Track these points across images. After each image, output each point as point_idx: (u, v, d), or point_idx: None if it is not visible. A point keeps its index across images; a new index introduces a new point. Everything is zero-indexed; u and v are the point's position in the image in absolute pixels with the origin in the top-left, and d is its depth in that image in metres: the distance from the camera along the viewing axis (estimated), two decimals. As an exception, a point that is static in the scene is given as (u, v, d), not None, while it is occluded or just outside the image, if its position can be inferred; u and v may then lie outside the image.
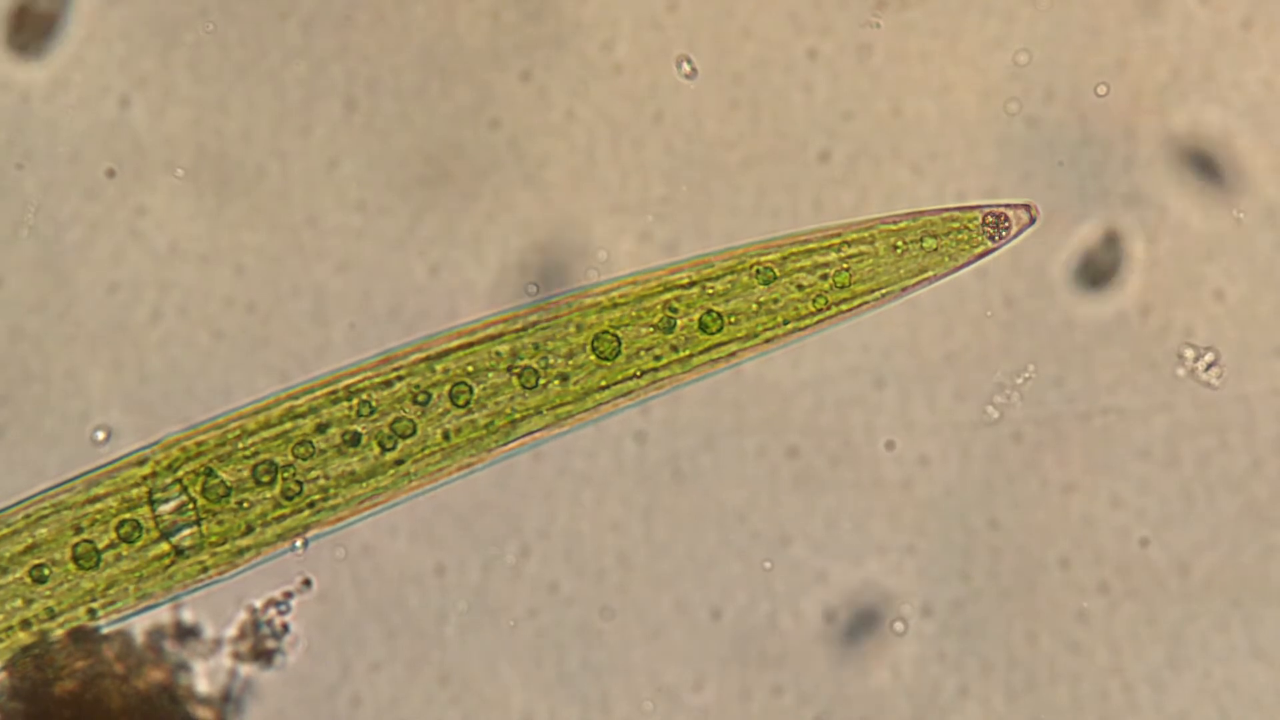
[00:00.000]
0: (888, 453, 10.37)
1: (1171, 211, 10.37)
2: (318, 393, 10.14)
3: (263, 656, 10.02)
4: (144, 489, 10.07)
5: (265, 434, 10.09)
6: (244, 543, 10.10)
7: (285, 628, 10.05)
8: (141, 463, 10.09)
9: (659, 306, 10.18)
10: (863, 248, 10.21)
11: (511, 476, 10.31)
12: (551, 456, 10.32)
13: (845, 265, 10.21)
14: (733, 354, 10.21)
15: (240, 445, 10.09)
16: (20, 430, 10.26)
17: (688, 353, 10.19)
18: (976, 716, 10.33)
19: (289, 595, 10.08)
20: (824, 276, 10.20)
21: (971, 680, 10.34)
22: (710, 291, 10.19)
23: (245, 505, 10.08)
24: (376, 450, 10.11)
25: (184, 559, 10.09)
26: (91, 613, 10.06)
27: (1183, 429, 10.37)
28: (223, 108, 10.39)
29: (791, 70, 10.43)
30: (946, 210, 10.25)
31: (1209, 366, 10.34)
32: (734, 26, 10.44)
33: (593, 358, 10.17)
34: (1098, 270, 10.37)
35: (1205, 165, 10.39)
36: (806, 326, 10.21)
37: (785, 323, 10.20)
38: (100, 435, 10.21)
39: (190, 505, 10.06)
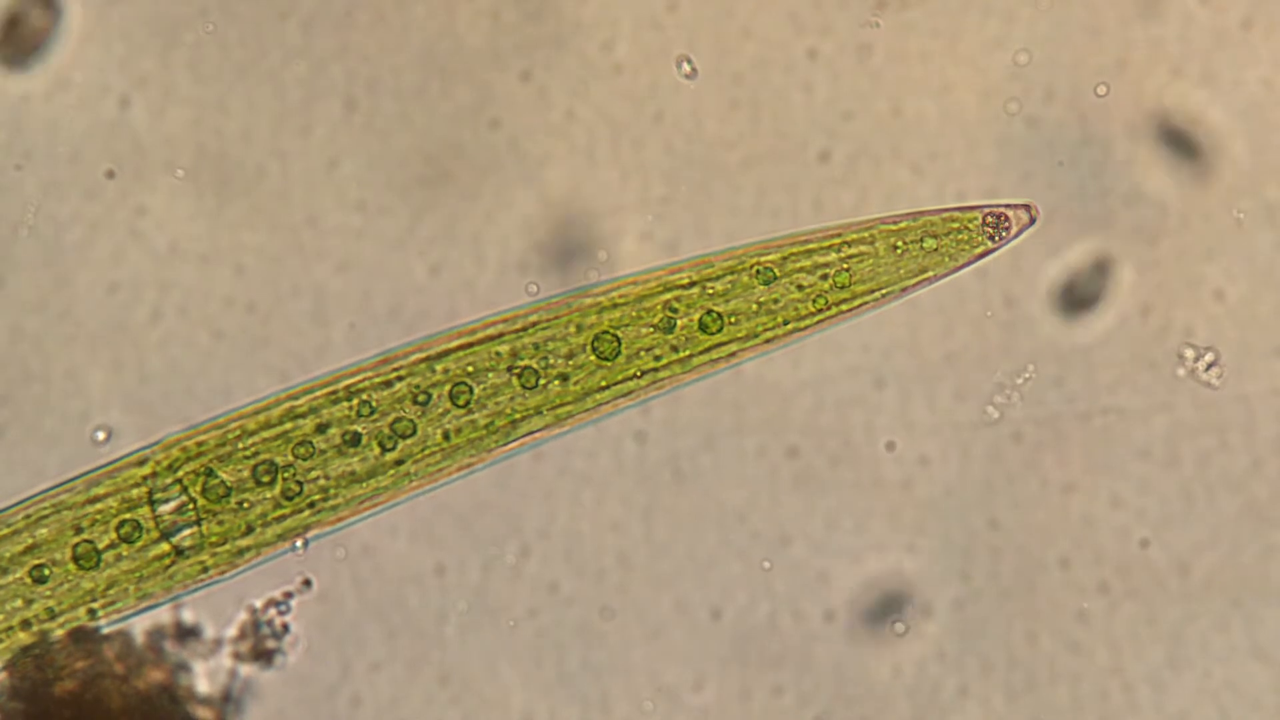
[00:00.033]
0: (888, 453, 10.37)
1: (1148, 190, 10.37)
2: (318, 393, 10.14)
3: (263, 656, 10.02)
4: (144, 489, 10.07)
5: (265, 434, 10.09)
6: (244, 543, 10.10)
7: (285, 628, 10.05)
8: (142, 463, 10.09)
9: (659, 307, 10.18)
10: (863, 248, 10.21)
11: (511, 476, 10.32)
12: (551, 456, 10.32)
13: (845, 265, 10.21)
14: (733, 354, 10.21)
15: (240, 445, 10.09)
16: (20, 430, 10.26)
17: (688, 353, 10.19)
18: (976, 716, 10.33)
19: (289, 595, 10.08)
20: (824, 277, 10.20)
21: (971, 680, 10.34)
22: (710, 292, 10.19)
23: (245, 505, 10.08)
24: (377, 450, 10.11)
25: (184, 559, 10.09)
26: (91, 613, 10.06)
27: (1183, 429, 10.37)
28: (223, 108, 10.39)
29: (791, 70, 10.43)
30: (946, 210, 10.25)
31: (1209, 366, 10.34)
32: (734, 26, 10.44)
33: (593, 358, 10.17)
34: (1080, 297, 10.37)
35: (1180, 142, 10.39)
36: (806, 327, 10.21)
37: (785, 323, 10.20)
38: (100, 435, 10.21)
39: (190, 505, 10.06)
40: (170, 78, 10.40)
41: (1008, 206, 10.25)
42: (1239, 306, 10.37)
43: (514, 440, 10.18)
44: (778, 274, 10.20)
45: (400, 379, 10.13)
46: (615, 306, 10.19)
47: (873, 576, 10.36)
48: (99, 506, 10.06)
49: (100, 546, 10.05)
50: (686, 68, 10.40)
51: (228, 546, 10.09)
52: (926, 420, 10.38)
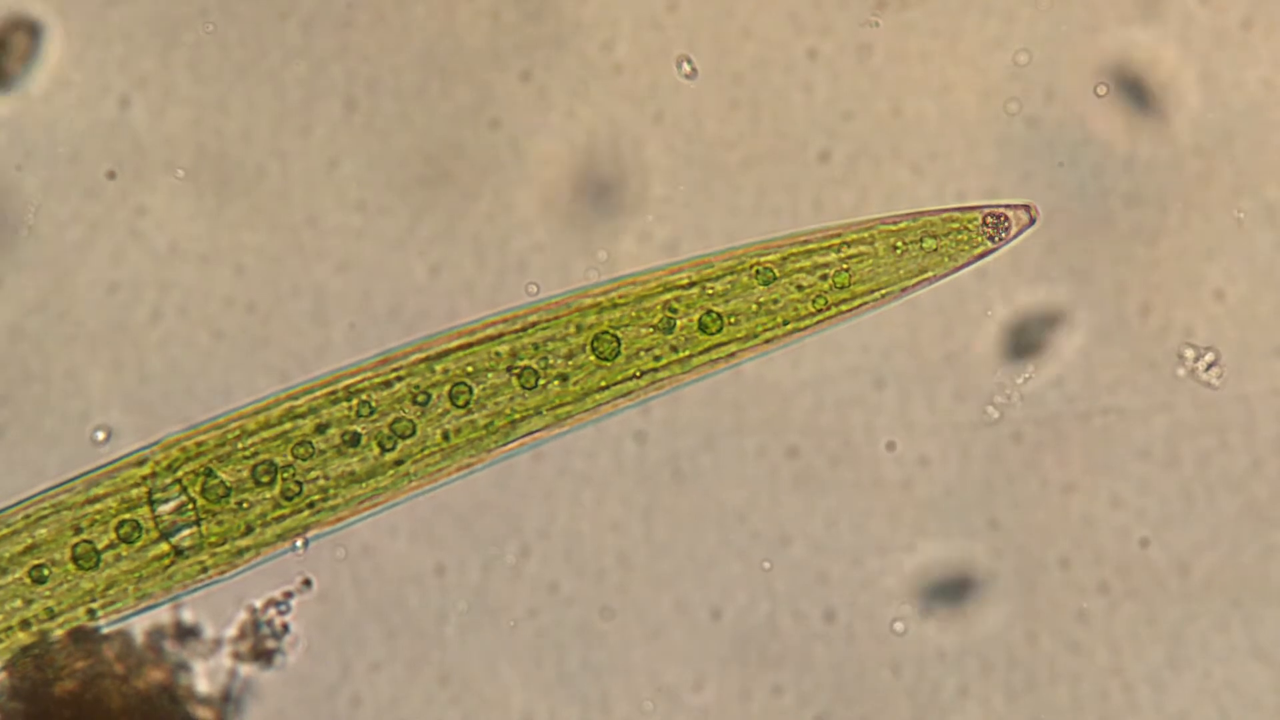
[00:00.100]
0: (888, 453, 10.37)
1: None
2: (317, 393, 10.14)
3: (263, 656, 10.02)
4: (144, 489, 10.07)
5: (265, 434, 10.09)
6: (243, 543, 10.10)
7: (285, 628, 10.05)
8: (141, 463, 10.09)
9: (659, 307, 10.18)
10: (862, 248, 10.21)
11: (511, 476, 10.32)
12: (551, 456, 10.32)
13: (845, 266, 10.21)
14: (732, 354, 10.20)
15: (240, 445, 10.09)
16: (20, 430, 10.26)
17: (687, 353, 10.19)
18: (976, 716, 10.33)
19: (289, 595, 10.08)
20: (824, 277, 10.20)
21: (971, 680, 10.34)
22: (710, 292, 10.19)
23: (245, 505, 10.08)
24: (376, 450, 10.11)
25: (183, 559, 10.09)
26: (91, 613, 10.06)
27: (1183, 429, 10.37)
28: (223, 108, 10.39)
29: (791, 70, 10.43)
30: (946, 211, 10.25)
31: (1209, 366, 10.33)
32: (734, 26, 10.44)
33: (592, 358, 10.17)
34: (1025, 343, 10.38)
35: (1136, 92, 10.39)
36: (806, 327, 10.21)
37: (785, 323, 10.19)
38: (100, 435, 10.21)
39: (190, 505, 10.06)
40: (170, 78, 10.40)
41: (1007, 207, 10.25)
42: (1239, 306, 10.37)
43: (513, 440, 10.18)
44: (777, 274, 10.20)
45: (400, 379, 10.13)
46: (615, 307, 10.19)
47: (931, 561, 10.36)
48: (98, 507, 10.07)
49: (100, 547, 10.05)
50: (686, 68, 10.40)
51: (227, 547, 10.09)
52: (926, 420, 10.38)
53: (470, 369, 10.15)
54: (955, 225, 10.23)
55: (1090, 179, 10.39)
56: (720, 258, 10.22)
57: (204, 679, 9.96)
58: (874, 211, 10.31)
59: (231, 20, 10.40)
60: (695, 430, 10.36)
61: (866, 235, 10.22)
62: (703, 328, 10.19)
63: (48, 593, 10.05)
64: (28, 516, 10.06)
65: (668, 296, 10.20)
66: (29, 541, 10.04)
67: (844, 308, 10.22)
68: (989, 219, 10.22)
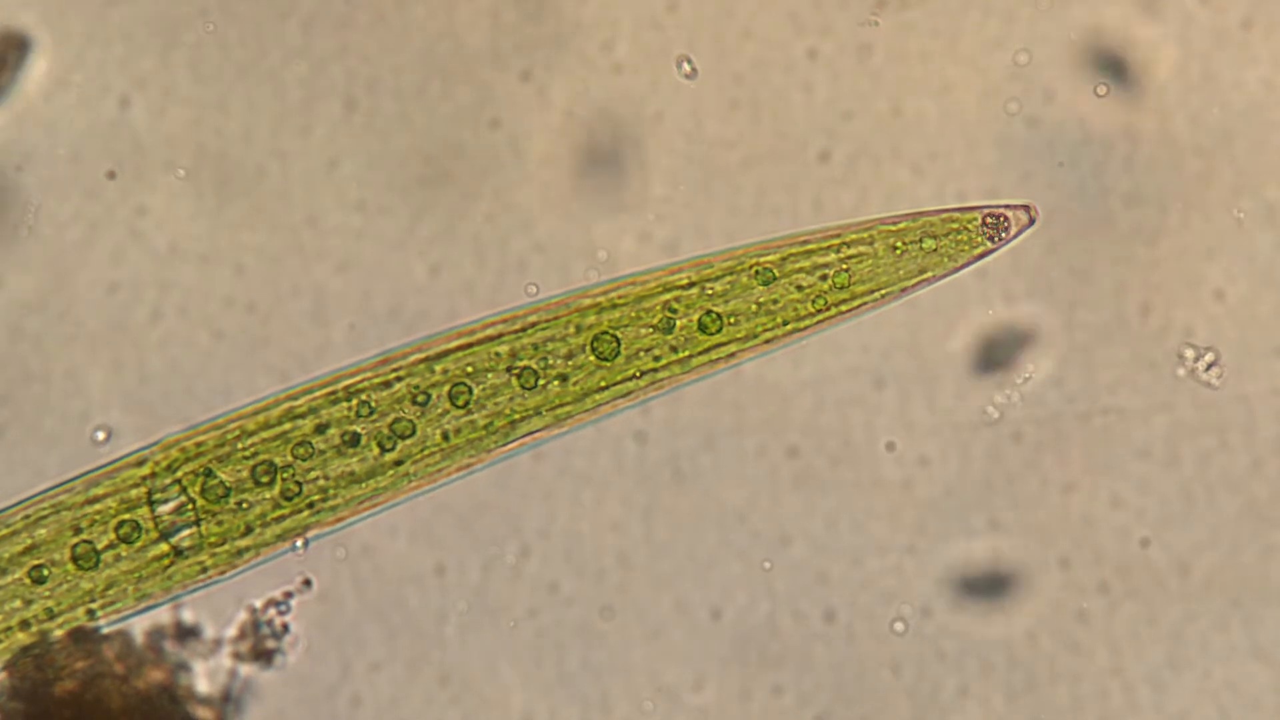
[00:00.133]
0: (888, 453, 10.36)
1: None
2: (317, 393, 10.14)
3: (263, 656, 10.02)
4: (143, 489, 10.07)
5: (265, 434, 10.09)
6: (243, 543, 10.10)
7: (285, 628, 10.05)
8: (141, 463, 10.10)
9: (658, 307, 10.18)
10: (862, 248, 10.21)
11: (511, 476, 10.32)
12: (551, 456, 10.32)
13: (844, 266, 10.21)
14: (732, 355, 10.20)
15: (239, 446, 10.09)
16: (20, 430, 10.26)
17: (687, 353, 10.18)
18: (976, 716, 10.33)
19: (289, 595, 10.09)
20: (823, 277, 10.20)
21: (971, 680, 10.34)
22: (710, 292, 10.19)
23: (244, 506, 10.08)
24: (376, 451, 10.11)
25: (183, 559, 10.09)
26: (90, 613, 10.06)
27: (1183, 429, 10.37)
28: (223, 108, 10.40)
29: (791, 70, 10.43)
30: (946, 211, 10.25)
31: (1209, 366, 10.33)
32: (734, 26, 10.44)
33: (592, 358, 10.17)
34: (994, 357, 10.38)
35: (1113, 66, 10.39)
36: (806, 327, 10.21)
37: (784, 323, 10.19)
38: (100, 435, 10.21)
39: (189, 506, 10.06)
40: (170, 78, 10.40)
41: (1007, 207, 10.24)
42: (1239, 306, 10.37)
43: (513, 441, 10.18)
44: (777, 274, 10.20)
45: (399, 379, 10.13)
46: (614, 307, 10.19)
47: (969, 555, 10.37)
48: (98, 507, 10.07)
49: (99, 547, 10.05)
50: (686, 68, 10.40)
51: (227, 547, 10.09)
52: (926, 420, 10.38)
53: (470, 369, 10.15)
54: (955, 225, 10.22)
55: (1090, 179, 10.39)
56: (720, 258, 10.22)
57: (204, 679, 9.96)
58: (874, 211, 10.31)
59: (231, 20, 10.40)
60: (695, 430, 10.36)
61: (866, 235, 10.22)
62: (702, 328, 10.18)
63: (47, 593, 10.05)
64: (27, 517, 10.06)
65: (667, 297, 10.20)
66: (29, 542, 10.05)
67: (843, 308, 10.22)
68: (988, 219, 10.22)
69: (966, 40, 10.42)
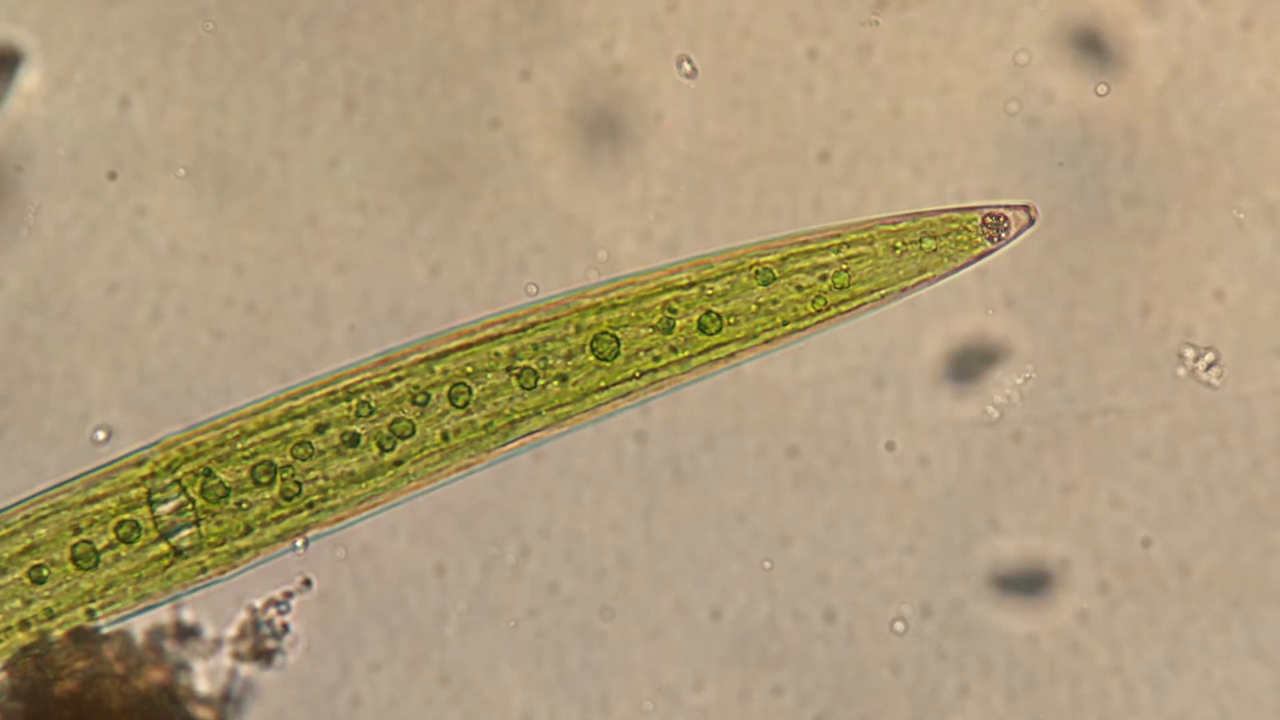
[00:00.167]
0: (888, 453, 10.36)
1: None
2: (317, 393, 10.14)
3: (263, 656, 10.02)
4: (143, 489, 10.07)
5: (264, 434, 10.10)
6: (242, 543, 10.10)
7: (285, 628, 10.05)
8: (140, 463, 10.10)
9: (658, 307, 10.18)
10: (862, 249, 10.21)
11: (511, 476, 10.32)
12: (551, 456, 10.32)
13: (844, 266, 10.20)
14: (731, 355, 10.20)
15: (239, 446, 10.09)
16: (20, 430, 10.26)
17: (687, 353, 10.18)
18: (976, 716, 10.33)
19: (289, 595, 10.09)
20: (823, 277, 10.20)
21: (971, 680, 10.34)
22: (709, 292, 10.19)
23: (244, 506, 10.08)
24: (375, 451, 10.12)
25: (183, 559, 10.10)
26: (90, 613, 10.06)
27: (1183, 429, 10.36)
28: (223, 108, 10.40)
29: (791, 70, 10.43)
30: (945, 211, 10.24)
31: (1209, 366, 10.33)
32: (734, 26, 10.44)
33: (592, 358, 10.17)
34: (966, 369, 10.38)
35: (1091, 44, 10.39)
36: (805, 327, 10.21)
37: (784, 324, 10.19)
38: (100, 435, 10.21)
39: (189, 506, 10.06)
40: (170, 78, 10.40)
41: (1007, 207, 10.24)
42: (1239, 306, 10.37)
43: (513, 441, 10.18)
44: (777, 275, 10.20)
45: (399, 379, 10.13)
46: (614, 307, 10.19)
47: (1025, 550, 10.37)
48: (97, 507, 10.07)
49: (99, 547, 10.05)
50: (686, 68, 10.40)
51: (226, 547, 10.09)
52: (926, 420, 10.38)
53: (470, 369, 10.15)
54: (954, 226, 10.22)
55: (1090, 179, 10.39)
56: (720, 258, 10.22)
57: (204, 679, 9.97)
58: (874, 211, 10.31)
59: (231, 20, 10.40)
60: (695, 430, 10.36)
61: (866, 236, 10.22)
62: (702, 328, 10.18)
63: (47, 593, 10.05)
64: (27, 517, 10.07)
65: (667, 297, 10.20)
66: (28, 542, 10.05)
67: (843, 308, 10.22)
68: (988, 219, 10.22)
69: (966, 40, 10.42)
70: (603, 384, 10.18)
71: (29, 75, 10.37)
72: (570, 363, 10.17)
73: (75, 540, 10.05)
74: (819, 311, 10.21)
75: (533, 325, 10.18)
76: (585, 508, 10.34)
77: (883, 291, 10.22)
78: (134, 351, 10.29)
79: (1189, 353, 10.33)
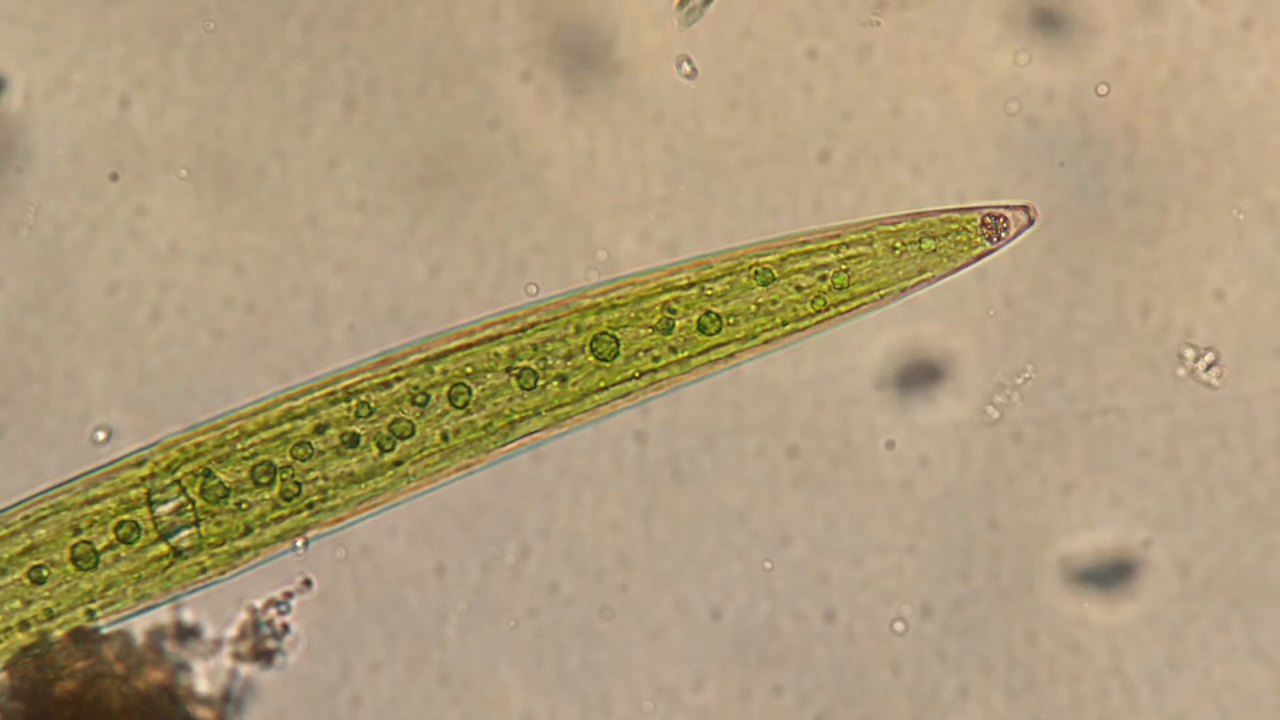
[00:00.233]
0: (888, 453, 10.36)
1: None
2: (316, 394, 10.14)
3: (263, 656, 10.02)
4: (142, 490, 10.07)
5: (264, 435, 10.10)
6: (242, 544, 10.10)
7: (285, 628, 10.05)
8: (140, 464, 10.10)
9: (658, 308, 10.18)
10: (861, 249, 10.21)
11: (511, 477, 10.32)
12: (551, 457, 10.32)
13: (844, 266, 10.20)
14: (731, 355, 10.20)
15: (239, 446, 10.09)
16: (20, 430, 10.27)
17: (686, 354, 10.18)
18: (976, 716, 10.33)
19: (289, 595, 10.09)
20: (822, 278, 10.20)
21: (971, 680, 10.34)
22: (709, 292, 10.19)
23: (244, 506, 10.08)
24: (375, 451, 10.12)
25: (182, 560, 10.10)
26: (90, 614, 10.06)
27: (1183, 429, 10.36)
28: (223, 108, 10.40)
29: (791, 70, 10.43)
30: (945, 211, 10.24)
31: (1209, 366, 10.33)
32: (734, 26, 10.44)
33: (591, 359, 10.17)
34: (909, 382, 10.39)
35: (1049, 20, 10.39)
36: (805, 328, 10.21)
37: (784, 324, 10.19)
38: (100, 435, 10.22)
39: (189, 506, 10.07)
40: (170, 78, 10.40)
41: (1006, 207, 10.24)
42: (1239, 306, 10.37)
43: (512, 441, 10.18)
44: (776, 275, 10.19)
45: (399, 380, 10.14)
46: (614, 307, 10.19)
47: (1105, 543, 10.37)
48: (97, 507, 10.07)
49: (99, 547, 10.06)
50: (686, 68, 10.40)
51: (226, 547, 10.09)
52: (926, 420, 10.38)
53: (469, 370, 10.15)
54: (954, 226, 10.22)
55: (1090, 179, 10.38)
56: (719, 258, 10.22)
57: (204, 679, 9.97)
58: (874, 212, 10.30)
59: (231, 20, 10.40)
60: (695, 430, 10.36)
61: (865, 236, 10.22)
62: (701, 328, 10.18)
63: (46, 593, 10.05)
64: (26, 517, 10.07)
65: (667, 297, 10.20)
66: (28, 542, 10.05)
67: (843, 308, 10.22)
68: (988, 220, 10.22)
69: (966, 40, 10.42)
70: (602, 384, 10.18)
71: (11, 99, 10.38)
72: (570, 363, 10.17)
73: (75, 541, 10.05)
74: (818, 312, 10.21)
75: (532, 325, 10.18)
76: (585, 508, 10.34)
77: (882, 292, 10.22)
78: (134, 351, 10.30)
79: (1189, 353, 10.33)
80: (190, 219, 10.36)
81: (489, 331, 10.18)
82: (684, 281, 10.20)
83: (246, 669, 10.01)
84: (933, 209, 10.25)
